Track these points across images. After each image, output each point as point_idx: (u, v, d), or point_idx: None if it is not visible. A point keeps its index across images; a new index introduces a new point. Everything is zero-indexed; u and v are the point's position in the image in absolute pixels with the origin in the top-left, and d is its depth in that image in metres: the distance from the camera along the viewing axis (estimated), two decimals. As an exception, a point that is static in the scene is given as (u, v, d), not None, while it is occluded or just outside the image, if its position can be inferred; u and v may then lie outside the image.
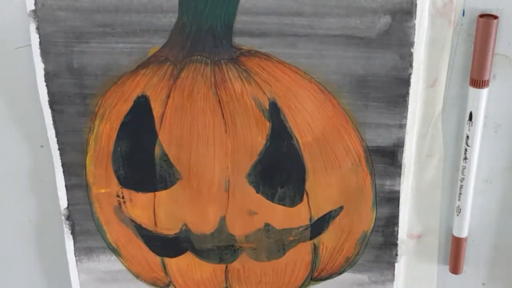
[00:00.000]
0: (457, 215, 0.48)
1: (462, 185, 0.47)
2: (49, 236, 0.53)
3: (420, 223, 0.49)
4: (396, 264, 0.50)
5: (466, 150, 0.46)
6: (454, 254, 0.50)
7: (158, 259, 0.53)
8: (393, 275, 0.50)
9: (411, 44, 0.42)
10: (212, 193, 0.48)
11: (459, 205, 0.48)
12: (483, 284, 0.52)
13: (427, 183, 0.48)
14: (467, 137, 0.45)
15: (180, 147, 0.47)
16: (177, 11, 0.43)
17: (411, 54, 0.43)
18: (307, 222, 0.49)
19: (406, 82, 0.44)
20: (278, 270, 0.51)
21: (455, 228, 0.49)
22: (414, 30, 0.42)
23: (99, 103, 0.46)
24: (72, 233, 0.52)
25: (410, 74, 0.43)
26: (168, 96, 0.46)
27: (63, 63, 0.45)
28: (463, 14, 0.42)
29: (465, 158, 0.46)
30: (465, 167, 0.46)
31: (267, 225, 0.49)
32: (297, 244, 0.50)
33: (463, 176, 0.47)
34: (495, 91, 0.44)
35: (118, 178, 0.49)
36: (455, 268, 0.51)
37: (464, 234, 0.49)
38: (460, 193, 0.47)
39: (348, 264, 0.51)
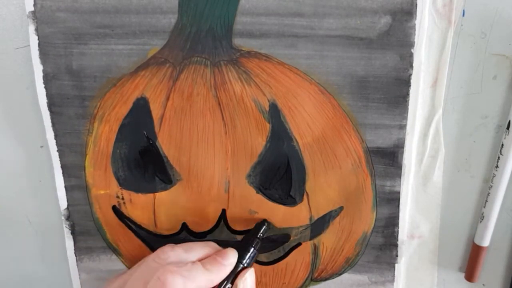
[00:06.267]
0: (480, 221, 0.48)
1: (489, 193, 0.47)
2: (49, 236, 0.53)
3: (421, 224, 0.49)
4: (396, 265, 0.50)
5: (499, 158, 0.45)
6: (472, 261, 0.50)
7: (158, 259, 0.53)
8: (393, 276, 0.50)
9: (411, 45, 0.42)
10: (212, 194, 0.48)
11: (483, 212, 0.48)
12: (483, 285, 0.52)
13: (428, 184, 0.48)
14: (502, 145, 0.45)
15: (179, 149, 0.47)
16: (177, 12, 0.43)
17: (411, 55, 0.43)
18: (307, 222, 0.49)
19: (406, 83, 0.44)
20: (278, 271, 0.51)
21: (477, 236, 0.49)
22: (414, 30, 0.42)
23: (98, 105, 0.46)
24: (72, 233, 0.51)
25: (410, 74, 0.43)
26: (168, 98, 0.45)
27: (62, 65, 0.45)
28: (463, 14, 0.42)
29: (497, 167, 0.46)
30: (495, 175, 0.46)
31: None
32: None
33: (491, 184, 0.46)
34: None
35: (117, 179, 0.49)
36: (470, 276, 0.50)
37: (486, 243, 0.48)
38: (486, 201, 0.47)
39: (348, 265, 0.51)
